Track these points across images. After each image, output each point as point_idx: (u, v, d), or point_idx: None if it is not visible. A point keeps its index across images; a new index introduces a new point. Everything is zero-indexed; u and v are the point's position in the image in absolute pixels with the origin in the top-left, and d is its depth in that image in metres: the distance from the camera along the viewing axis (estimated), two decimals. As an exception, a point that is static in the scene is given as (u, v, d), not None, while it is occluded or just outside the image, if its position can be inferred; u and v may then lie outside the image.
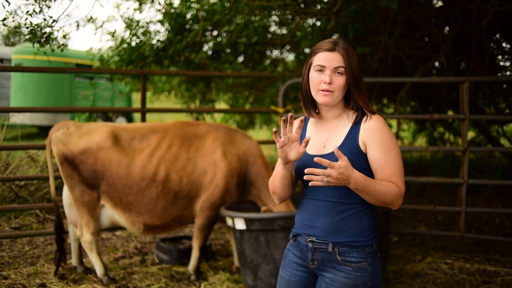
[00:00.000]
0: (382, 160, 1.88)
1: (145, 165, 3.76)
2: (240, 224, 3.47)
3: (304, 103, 2.03)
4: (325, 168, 1.78)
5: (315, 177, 1.74)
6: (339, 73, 1.90)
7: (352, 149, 1.90)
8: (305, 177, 1.75)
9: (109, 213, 3.85)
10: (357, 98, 1.93)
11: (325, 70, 1.91)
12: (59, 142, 3.75)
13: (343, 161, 1.72)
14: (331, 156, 1.90)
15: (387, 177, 1.87)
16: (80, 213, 3.76)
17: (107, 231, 4.95)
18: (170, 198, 3.79)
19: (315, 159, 1.73)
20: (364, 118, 1.92)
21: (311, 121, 2.08)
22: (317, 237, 1.95)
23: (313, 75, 1.94)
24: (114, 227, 4.13)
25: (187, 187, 3.82)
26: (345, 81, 1.91)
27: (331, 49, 1.92)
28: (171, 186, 3.78)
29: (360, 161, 1.90)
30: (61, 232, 3.87)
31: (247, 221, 3.43)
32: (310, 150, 2.00)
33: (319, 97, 1.93)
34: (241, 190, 3.99)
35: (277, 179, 2.02)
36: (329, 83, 1.90)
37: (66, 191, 3.88)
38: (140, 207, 3.76)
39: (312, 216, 1.98)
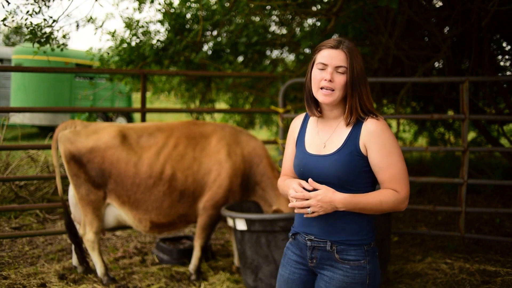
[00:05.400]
0: (383, 163, 1.87)
1: (152, 164, 3.79)
2: (241, 225, 3.47)
3: (307, 101, 2.03)
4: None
5: (302, 210, 1.85)
6: (340, 72, 1.89)
7: (352, 151, 1.90)
8: (295, 211, 1.87)
9: (115, 212, 3.87)
10: (353, 99, 1.90)
11: (327, 68, 1.90)
12: (66, 140, 3.76)
13: (320, 190, 1.82)
14: (331, 157, 1.91)
15: (387, 180, 1.88)
16: (85, 212, 3.78)
17: (107, 231, 4.95)
18: (176, 196, 3.82)
19: (309, 180, 1.88)
20: (366, 121, 1.90)
21: (312, 118, 2.08)
22: (315, 235, 1.96)
23: (315, 73, 1.94)
24: (119, 227, 4.14)
25: (192, 185, 3.85)
26: (345, 80, 1.89)
27: (335, 47, 1.90)
28: (177, 184, 3.81)
29: (359, 163, 1.90)
30: (72, 230, 3.90)
31: (248, 222, 3.43)
32: (310, 149, 2.00)
33: (319, 96, 1.93)
34: (245, 190, 4.00)
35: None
36: (330, 81, 1.89)
37: (71, 190, 3.89)
38: (147, 204, 3.78)
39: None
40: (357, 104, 1.91)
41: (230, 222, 3.60)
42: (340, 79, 1.89)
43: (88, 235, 3.81)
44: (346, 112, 1.93)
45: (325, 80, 1.89)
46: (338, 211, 1.90)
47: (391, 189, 1.87)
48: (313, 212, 1.84)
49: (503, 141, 7.90)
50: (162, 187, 3.78)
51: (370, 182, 1.94)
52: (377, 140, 1.87)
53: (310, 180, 1.87)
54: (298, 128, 2.11)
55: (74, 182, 3.76)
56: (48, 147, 4.88)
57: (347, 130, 1.93)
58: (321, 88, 1.91)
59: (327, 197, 1.81)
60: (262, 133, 12.67)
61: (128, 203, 3.78)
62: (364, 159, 1.90)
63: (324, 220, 1.94)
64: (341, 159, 1.89)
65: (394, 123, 9.45)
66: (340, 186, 1.88)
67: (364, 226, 1.94)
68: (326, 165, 1.90)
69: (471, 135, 9.03)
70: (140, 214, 3.81)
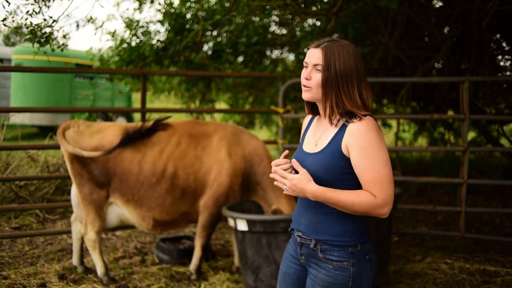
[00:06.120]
0: (361, 166, 1.83)
1: (155, 162, 3.83)
2: (242, 225, 3.47)
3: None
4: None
5: (280, 184, 1.93)
6: (317, 70, 1.91)
7: (334, 152, 1.89)
8: (270, 175, 1.95)
9: (118, 211, 3.89)
10: (327, 98, 1.89)
11: (308, 66, 1.94)
12: (70, 139, 3.78)
13: (299, 175, 1.87)
14: (315, 156, 1.93)
15: (366, 183, 1.84)
16: (87, 211, 3.79)
17: (109, 231, 4.95)
18: (178, 194, 3.85)
19: (292, 161, 1.92)
20: (352, 121, 1.87)
21: (316, 117, 2.11)
22: (303, 232, 1.99)
23: (302, 72, 1.99)
24: (121, 226, 4.14)
25: (193, 183, 3.88)
26: (321, 79, 1.90)
27: (316, 46, 1.94)
28: (178, 182, 3.85)
29: (341, 164, 1.88)
30: None
31: (249, 222, 3.42)
32: (306, 147, 2.04)
33: (302, 93, 1.98)
34: (246, 189, 4.03)
35: None
36: (306, 79, 1.93)
37: (74, 189, 3.90)
38: (150, 202, 3.82)
39: (300, 212, 2.03)
40: (332, 103, 1.89)
41: (231, 222, 3.60)
42: (317, 77, 1.91)
43: (89, 235, 3.82)
44: (324, 111, 1.96)
45: (305, 78, 1.94)
46: (321, 211, 1.93)
47: (369, 192, 1.83)
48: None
49: (503, 141, 7.90)
50: (164, 185, 3.81)
51: (354, 185, 1.90)
52: (357, 142, 1.83)
53: (294, 160, 1.95)
54: (305, 127, 2.16)
55: (77, 182, 3.77)
56: (48, 147, 4.89)
57: (334, 130, 1.93)
58: (303, 86, 1.97)
59: (300, 184, 1.85)
60: (262, 133, 12.67)
61: (132, 201, 3.82)
62: (347, 160, 1.87)
63: (309, 218, 1.97)
64: (323, 158, 1.90)
65: (394, 123, 9.45)
66: (321, 184, 1.88)
67: (349, 228, 1.91)
68: (310, 162, 1.92)
69: (471, 135, 9.02)
70: (143, 211, 3.84)
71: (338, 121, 1.91)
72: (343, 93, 1.88)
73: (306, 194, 1.86)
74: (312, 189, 1.84)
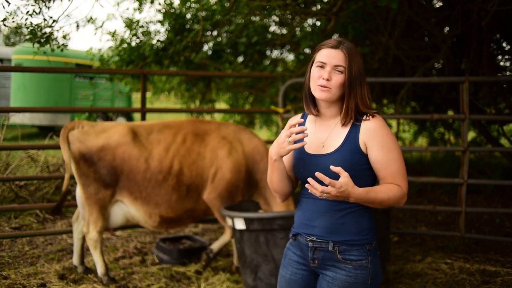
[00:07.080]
0: (384, 160, 1.89)
1: (162, 159, 3.89)
2: (239, 224, 3.47)
3: (305, 100, 2.04)
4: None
5: (314, 191, 1.75)
6: (338, 71, 1.91)
7: (352, 149, 1.90)
8: (306, 185, 1.77)
9: (124, 209, 3.92)
10: (350, 100, 1.91)
11: (326, 67, 1.92)
12: (75, 140, 3.80)
13: (344, 179, 1.72)
14: (331, 156, 1.91)
15: (389, 176, 1.89)
16: (90, 211, 3.81)
17: (113, 230, 4.95)
18: (183, 190, 3.91)
19: (316, 174, 1.74)
20: (364, 119, 1.92)
21: (310, 118, 2.08)
22: (317, 236, 1.96)
23: (314, 71, 1.96)
24: (126, 225, 4.16)
25: (197, 180, 3.95)
26: (343, 80, 1.91)
27: (335, 47, 1.92)
28: (184, 179, 3.91)
29: (360, 161, 1.91)
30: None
31: (247, 220, 3.43)
32: (309, 148, 1.99)
33: (316, 92, 1.94)
34: (249, 187, 4.08)
35: (275, 177, 2.02)
36: (327, 80, 1.90)
37: (79, 190, 3.91)
38: (157, 199, 3.87)
39: (311, 216, 1.98)
40: (352, 103, 1.92)
41: (229, 221, 3.61)
42: (338, 78, 1.91)
43: (91, 234, 3.83)
44: (342, 112, 1.94)
45: (323, 78, 1.91)
46: (339, 212, 1.92)
47: (395, 184, 1.88)
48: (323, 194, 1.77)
49: (503, 141, 7.90)
50: (171, 182, 3.87)
51: (370, 180, 1.95)
52: (377, 138, 1.89)
53: (332, 167, 1.76)
54: None
55: (83, 182, 3.79)
56: (48, 147, 4.90)
57: (346, 129, 1.94)
58: (318, 86, 1.93)
59: (348, 189, 1.74)
60: (262, 133, 12.67)
61: (141, 198, 3.86)
62: (364, 157, 1.91)
63: (325, 221, 1.94)
64: (342, 157, 1.89)
65: (394, 123, 9.45)
66: None
67: (365, 225, 1.94)
68: (328, 164, 1.87)
69: (471, 135, 9.02)
70: (150, 208, 3.88)
71: (350, 120, 1.93)
72: (359, 95, 1.93)
73: (349, 198, 1.77)
74: (357, 192, 1.77)
